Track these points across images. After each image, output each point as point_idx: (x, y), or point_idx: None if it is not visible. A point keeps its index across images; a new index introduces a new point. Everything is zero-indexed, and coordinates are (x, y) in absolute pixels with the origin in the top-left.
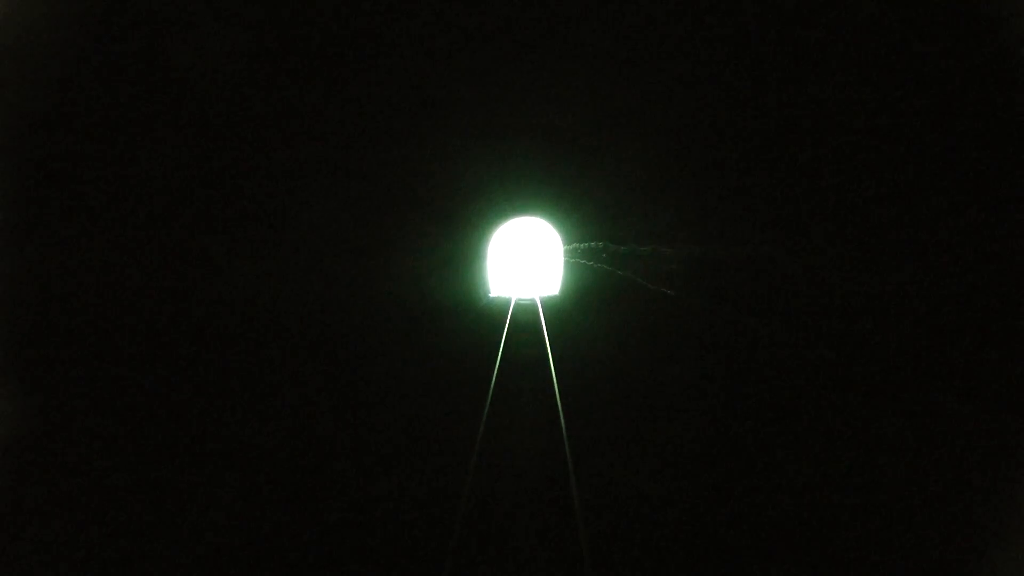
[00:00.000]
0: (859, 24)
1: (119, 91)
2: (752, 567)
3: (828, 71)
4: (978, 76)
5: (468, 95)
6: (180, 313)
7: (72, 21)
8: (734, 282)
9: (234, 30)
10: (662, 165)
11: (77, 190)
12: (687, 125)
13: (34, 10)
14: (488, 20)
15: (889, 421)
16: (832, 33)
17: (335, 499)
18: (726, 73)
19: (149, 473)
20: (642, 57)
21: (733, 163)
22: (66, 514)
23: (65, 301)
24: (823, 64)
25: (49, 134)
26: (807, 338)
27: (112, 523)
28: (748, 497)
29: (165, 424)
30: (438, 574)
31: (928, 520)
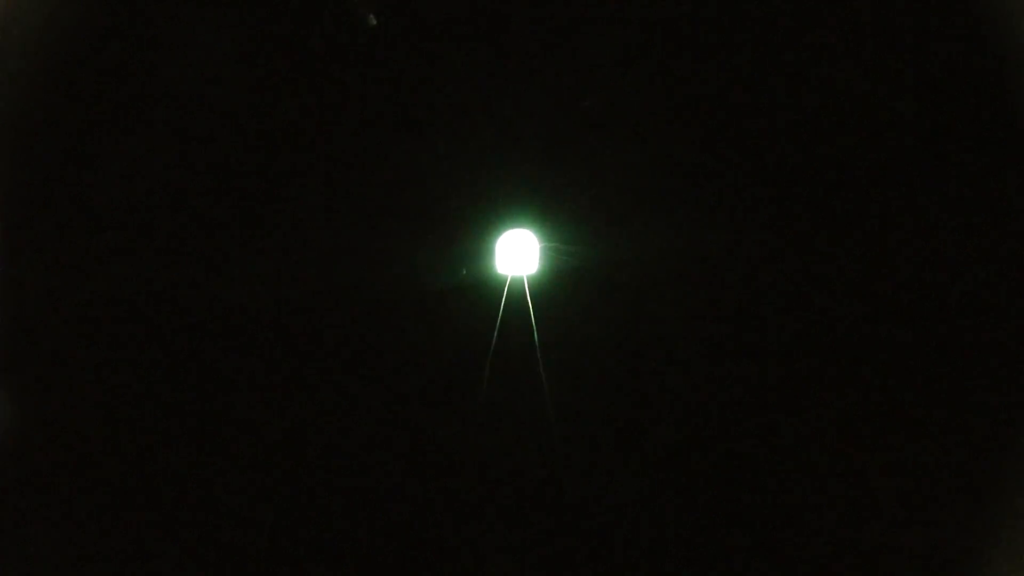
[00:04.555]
0: (860, 25)
1: (118, 91)
2: (750, 567)
3: (828, 71)
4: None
5: (466, 98)
6: (178, 312)
7: (74, 20)
8: (726, 283)
9: (232, 32)
10: (655, 169)
11: (77, 190)
12: (678, 129)
13: (35, 10)
14: (485, 22)
15: (889, 421)
16: (834, 33)
17: (334, 498)
18: (720, 76)
19: (146, 473)
20: (635, 60)
21: (727, 166)
22: (66, 514)
23: (65, 301)
24: (823, 64)
25: (48, 133)
26: (805, 338)
27: (111, 523)
28: (746, 497)
29: (163, 424)
30: (435, 572)
31: (926, 520)
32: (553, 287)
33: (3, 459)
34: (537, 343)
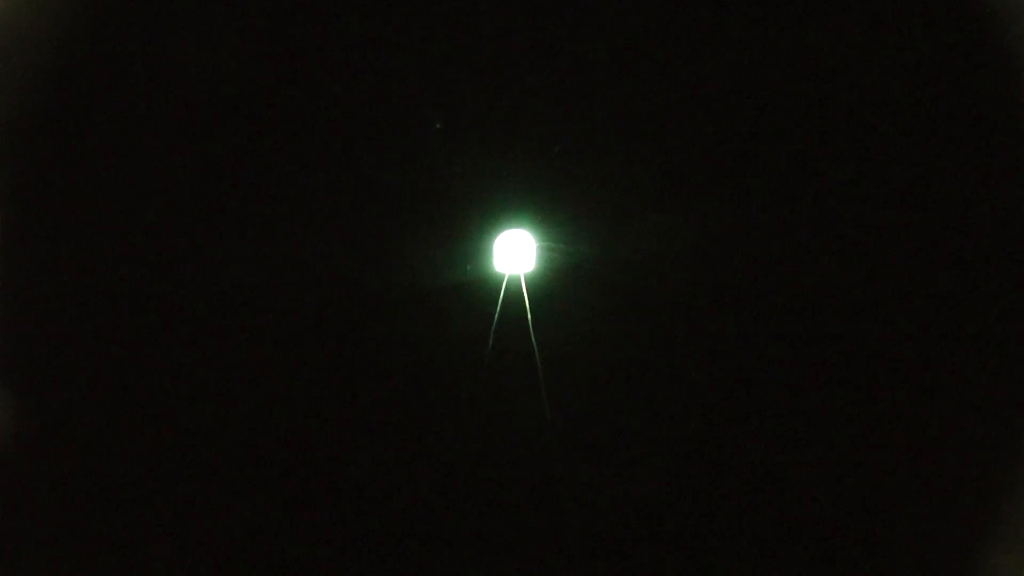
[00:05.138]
0: (861, 25)
1: (116, 90)
2: (749, 566)
3: (831, 71)
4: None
5: (464, 99)
6: (177, 311)
7: (71, 19)
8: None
9: (234, 31)
10: (649, 171)
11: (75, 189)
12: (672, 130)
13: (32, 10)
14: (485, 24)
15: (888, 421)
16: (834, 33)
17: (332, 498)
18: (715, 76)
19: (144, 474)
20: (630, 62)
21: (722, 166)
22: (65, 515)
23: (62, 300)
24: (824, 65)
25: (45, 133)
26: (803, 337)
27: (110, 523)
28: (743, 496)
29: (160, 424)
30: (432, 571)
31: (922, 520)
32: (549, 284)
33: (3, 459)
34: (533, 338)
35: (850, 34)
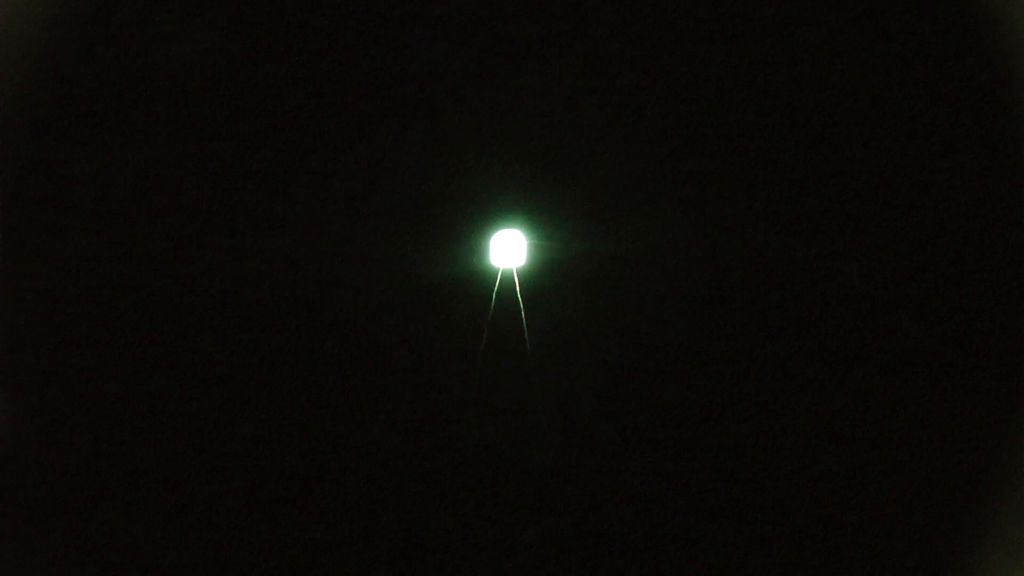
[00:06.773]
0: (858, 23)
1: (113, 90)
2: (746, 565)
3: (825, 71)
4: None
5: (462, 100)
6: (174, 312)
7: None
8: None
9: (230, 32)
10: (635, 173)
11: (73, 189)
12: (660, 132)
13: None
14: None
15: (886, 420)
16: (830, 32)
17: (330, 497)
18: (703, 77)
19: (143, 474)
20: (621, 64)
21: (707, 167)
22: (62, 515)
23: (61, 300)
24: (818, 64)
25: (43, 133)
26: (790, 333)
27: (109, 524)
28: (742, 497)
29: (158, 424)
30: (424, 565)
31: (918, 518)
32: (539, 278)
33: (3, 459)
34: (525, 325)
35: (841, 33)
